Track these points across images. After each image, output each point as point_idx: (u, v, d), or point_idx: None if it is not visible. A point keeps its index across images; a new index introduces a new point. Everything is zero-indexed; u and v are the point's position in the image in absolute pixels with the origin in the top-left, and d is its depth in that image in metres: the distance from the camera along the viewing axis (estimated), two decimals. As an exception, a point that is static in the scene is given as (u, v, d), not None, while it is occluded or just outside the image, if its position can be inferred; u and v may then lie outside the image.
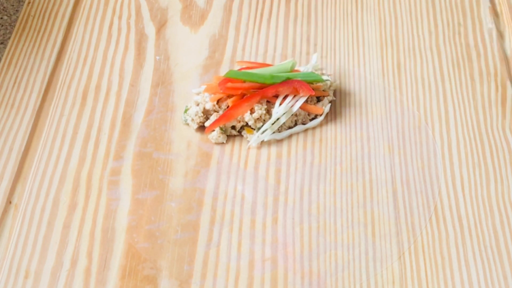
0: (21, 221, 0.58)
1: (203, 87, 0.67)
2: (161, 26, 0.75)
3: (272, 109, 0.64)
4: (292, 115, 0.64)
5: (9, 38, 0.74)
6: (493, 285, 0.54)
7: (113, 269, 0.55)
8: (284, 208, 0.59)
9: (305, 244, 0.56)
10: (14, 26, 0.75)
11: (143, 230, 0.57)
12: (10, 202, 0.60)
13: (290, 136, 0.64)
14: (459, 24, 0.75)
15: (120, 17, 0.76)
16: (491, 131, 0.65)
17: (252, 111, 0.64)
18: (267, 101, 0.65)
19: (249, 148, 0.63)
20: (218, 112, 0.65)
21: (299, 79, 0.64)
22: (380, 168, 0.62)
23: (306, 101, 0.65)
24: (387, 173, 0.61)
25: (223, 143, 0.64)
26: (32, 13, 0.77)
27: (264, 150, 0.63)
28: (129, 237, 0.57)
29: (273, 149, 0.63)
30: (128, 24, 0.76)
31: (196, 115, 0.64)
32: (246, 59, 0.71)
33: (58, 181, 0.61)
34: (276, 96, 0.65)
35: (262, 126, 0.64)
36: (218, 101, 0.65)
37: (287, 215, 0.58)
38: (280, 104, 0.64)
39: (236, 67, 0.70)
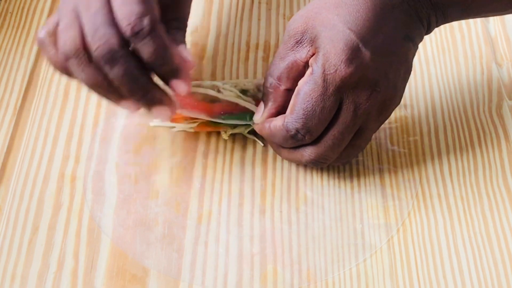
0: (6, 224, 0.57)
1: None
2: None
3: None
4: None
5: (-13, 36, 0.73)
6: (483, 271, 0.54)
7: (100, 269, 0.54)
8: (271, 201, 0.58)
9: (293, 236, 0.56)
10: (-8, 23, 0.74)
11: (130, 228, 0.57)
12: (-6, 205, 0.59)
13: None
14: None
15: (99, 11, 0.75)
16: (477, 115, 0.64)
17: None
18: None
19: (234, 142, 0.63)
20: None
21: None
22: (367, 157, 0.61)
23: None
24: (374, 162, 0.61)
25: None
26: (10, 10, 0.76)
27: (250, 144, 0.62)
28: (116, 236, 0.56)
29: (259, 142, 0.63)
30: (108, 17, 0.74)
31: None
32: (228, 49, 0.71)
33: (42, 181, 0.60)
34: None
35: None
36: None
37: (275, 207, 0.58)
38: None
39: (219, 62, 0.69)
